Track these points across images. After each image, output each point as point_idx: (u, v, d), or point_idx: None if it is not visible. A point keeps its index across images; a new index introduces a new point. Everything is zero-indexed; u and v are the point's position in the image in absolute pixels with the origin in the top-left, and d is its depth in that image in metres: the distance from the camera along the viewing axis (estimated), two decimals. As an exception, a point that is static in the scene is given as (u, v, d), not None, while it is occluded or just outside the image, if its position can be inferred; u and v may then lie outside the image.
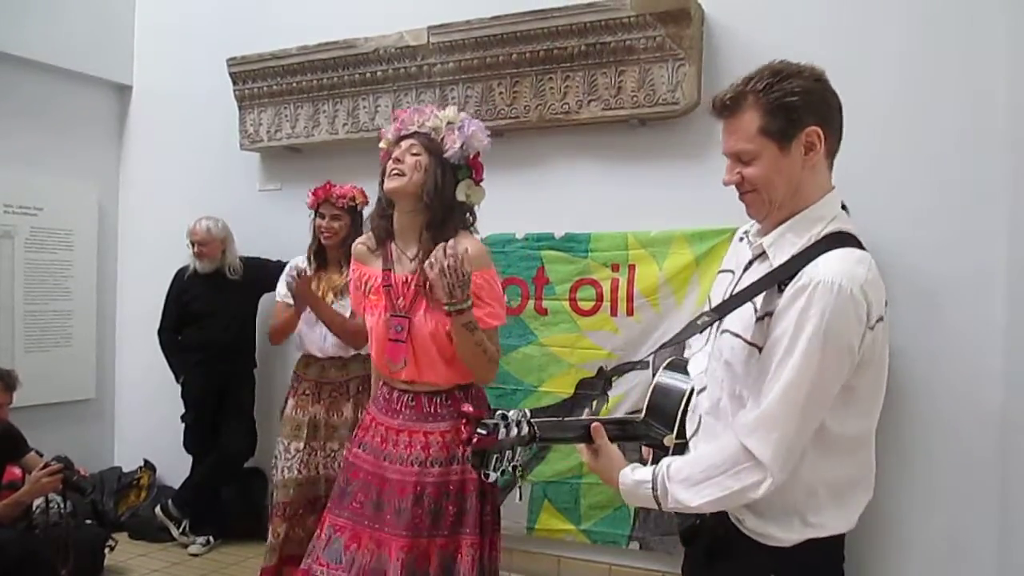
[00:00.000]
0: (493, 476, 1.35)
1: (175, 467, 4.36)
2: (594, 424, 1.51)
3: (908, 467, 2.97)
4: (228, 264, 4.13)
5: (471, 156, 2.27)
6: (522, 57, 3.56)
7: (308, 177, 4.01)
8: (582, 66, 3.45)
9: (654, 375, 1.70)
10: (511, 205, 3.62)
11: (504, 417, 1.37)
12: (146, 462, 4.63)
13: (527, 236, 3.59)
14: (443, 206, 2.20)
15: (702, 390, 1.51)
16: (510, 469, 1.37)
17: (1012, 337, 2.80)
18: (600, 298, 3.44)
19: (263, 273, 4.18)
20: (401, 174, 2.18)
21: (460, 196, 2.24)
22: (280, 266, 4.19)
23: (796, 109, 1.38)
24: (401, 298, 2.22)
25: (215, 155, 4.57)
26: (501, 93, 3.62)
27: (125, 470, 4.64)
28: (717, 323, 1.48)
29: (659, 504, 1.42)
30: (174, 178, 4.74)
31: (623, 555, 3.44)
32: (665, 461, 1.44)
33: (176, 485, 4.31)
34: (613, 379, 3.37)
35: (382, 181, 2.26)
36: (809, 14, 3.17)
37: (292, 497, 3.33)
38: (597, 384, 3.39)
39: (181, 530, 4.13)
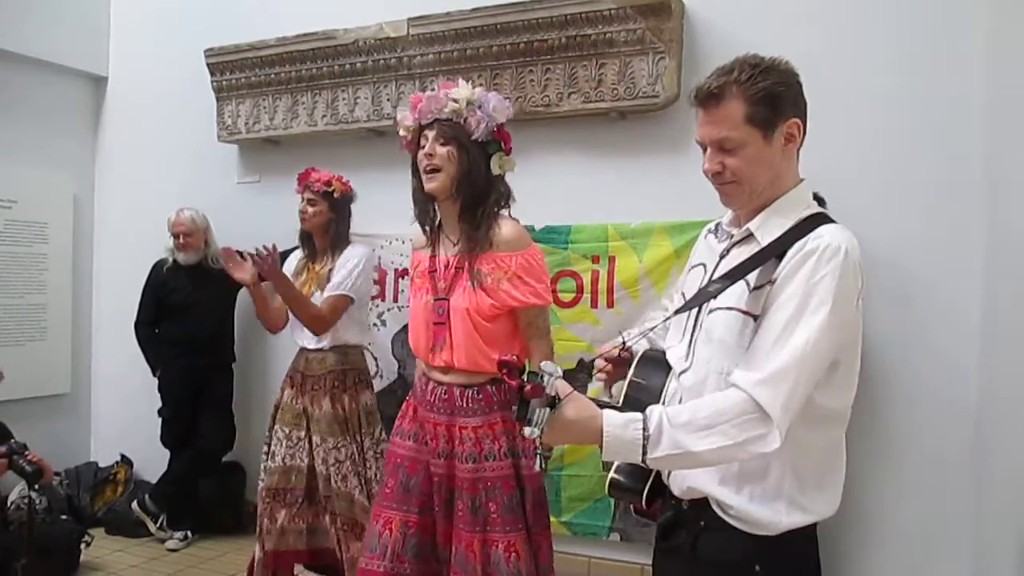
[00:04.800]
0: (529, 431, 1.29)
1: (152, 462, 4.32)
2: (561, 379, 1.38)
3: (883, 461, 3.00)
4: (210, 254, 4.10)
5: (496, 129, 2.30)
6: (502, 49, 3.55)
7: (287, 169, 3.95)
8: (563, 59, 3.45)
9: (629, 366, 1.68)
10: (491, 197, 3.62)
11: (544, 370, 1.30)
12: (123, 457, 4.59)
13: (507, 228, 3.58)
14: (480, 187, 2.25)
15: (683, 372, 1.50)
16: (537, 431, 1.30)
17: (986, 335, 2.83)
18: (580, 290, 3.45)
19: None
20: (437, 170, 2.21)
21: (495, 170, 2.29)
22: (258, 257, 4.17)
23: (780, 100, 1.42)
24: (443, 281, 2.26)
25: (193, 147, 4.52)
26: (481, 85, 3.60)
27: (101, 465, 4.60)
28: (698, 309, 1.50)
29: (644, 451, 1.31)
30: (151, 170, 4.69)
31: (603, 547, 3.45)
32: (658, 406, 1.37)
33: (153, 480, 4.27)
34: (593, 371, 3.37)
35: (415, 172, 2.29)
36: (789, 9, 3.18)
37: (291, 484, 3.25)
38: (577, 376, 3.40)
39: (159, 525, 4.10)
